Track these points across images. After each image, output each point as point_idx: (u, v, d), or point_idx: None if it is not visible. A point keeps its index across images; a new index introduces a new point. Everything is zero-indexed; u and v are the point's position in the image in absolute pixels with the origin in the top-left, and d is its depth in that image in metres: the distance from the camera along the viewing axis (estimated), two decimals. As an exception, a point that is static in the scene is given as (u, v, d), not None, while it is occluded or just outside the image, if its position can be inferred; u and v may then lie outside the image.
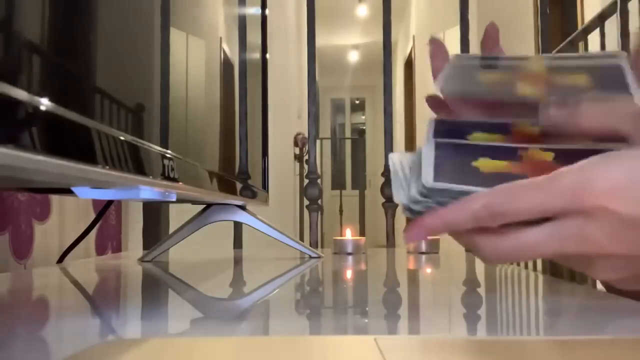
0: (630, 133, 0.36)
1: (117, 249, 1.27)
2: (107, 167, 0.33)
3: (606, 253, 0.33)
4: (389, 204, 1.35)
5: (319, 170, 1.42)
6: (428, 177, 0.37)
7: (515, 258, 0.37)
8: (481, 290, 0.59)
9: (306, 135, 1.60)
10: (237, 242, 1.39)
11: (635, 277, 0.36)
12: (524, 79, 0.41)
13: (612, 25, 1.86)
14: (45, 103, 0.27)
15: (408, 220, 0.38)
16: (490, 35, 0.46)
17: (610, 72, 0.41)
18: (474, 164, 0.38)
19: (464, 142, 0.40)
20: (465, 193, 0.36)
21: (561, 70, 0.41)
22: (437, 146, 0.39)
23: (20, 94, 0.25)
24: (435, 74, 0.44)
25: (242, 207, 0.90)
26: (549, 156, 0.39)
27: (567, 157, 0.38)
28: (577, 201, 0.33)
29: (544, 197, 0.33)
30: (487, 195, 0.35)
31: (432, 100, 0.45)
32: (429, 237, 1.05)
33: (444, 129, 0.41)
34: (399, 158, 0.40)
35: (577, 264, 0.37)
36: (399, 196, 0.38)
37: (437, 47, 0.45)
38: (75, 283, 0.72)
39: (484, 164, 0.38)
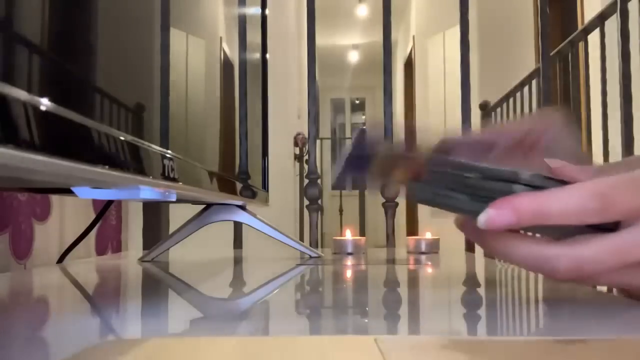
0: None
1: (117, 249, 1.27)
2: (107, 167, 0.33)
3: None
4: (389, 204, 1.35)
5: (319, 170, 1.42)
6: None
7: (593, 269, 0.32)
8: (481, 290, 0.59)
9: (306, 135, 1.60)
10: (237, 242, 1.39)
11: None
12: None
13: (612, 25, 1.86)
14: (45, 103, 0.27)
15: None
16: None
17: None
18: None
19: None
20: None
21: None
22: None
23: (20, 93, 0.25)
24: None
25: (242, 207, 0.90)
26: None
27: None
28: None
29: None
30: (598, 183, 0.30)
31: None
32: (430, 237, 1.05)
33: None
34: None
35: None
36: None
37: None
38: (75, 283, 0.72)
39: None
